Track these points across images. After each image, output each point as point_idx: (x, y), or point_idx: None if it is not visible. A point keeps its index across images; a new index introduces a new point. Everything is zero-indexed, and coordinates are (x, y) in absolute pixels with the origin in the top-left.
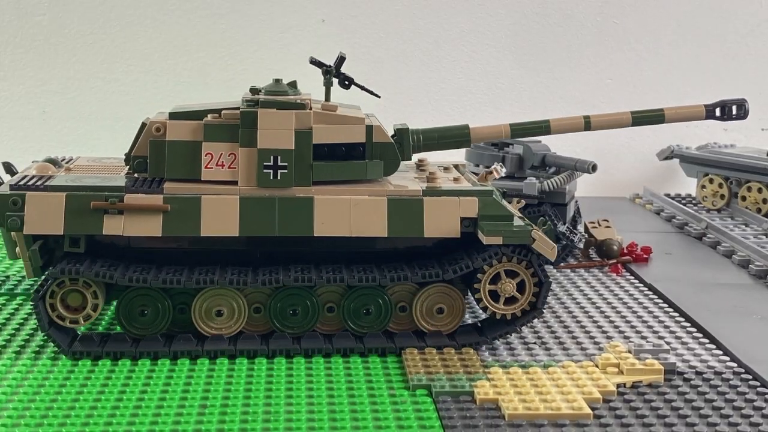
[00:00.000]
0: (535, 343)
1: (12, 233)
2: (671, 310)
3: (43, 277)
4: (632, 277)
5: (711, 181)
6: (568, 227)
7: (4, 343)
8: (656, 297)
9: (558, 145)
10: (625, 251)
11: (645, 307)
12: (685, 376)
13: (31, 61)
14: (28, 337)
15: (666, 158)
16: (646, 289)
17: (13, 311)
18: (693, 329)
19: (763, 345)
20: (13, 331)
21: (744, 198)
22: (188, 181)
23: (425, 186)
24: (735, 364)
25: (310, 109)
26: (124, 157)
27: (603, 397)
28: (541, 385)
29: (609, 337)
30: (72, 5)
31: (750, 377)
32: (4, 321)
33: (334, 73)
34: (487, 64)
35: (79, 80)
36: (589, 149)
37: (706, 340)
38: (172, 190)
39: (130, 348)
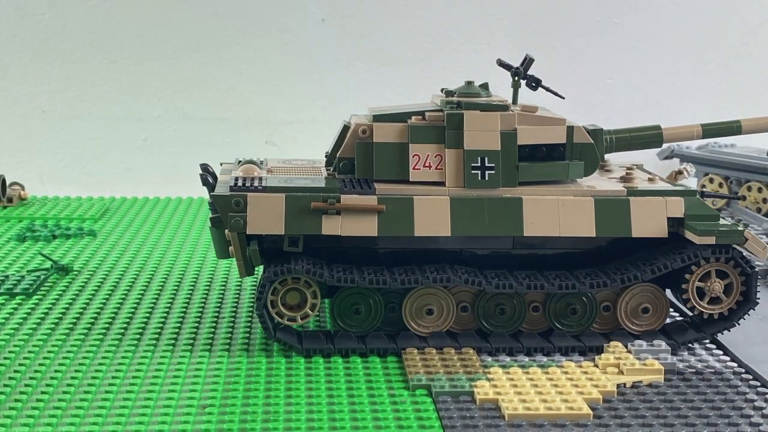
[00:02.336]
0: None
1: (226, 233)
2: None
3: (264, 275)
4: None
5: (711, 180)
6: None
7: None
8: None
9: None
10: None
11: None
12: (684, 376)
13: (31, 61)
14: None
15: (666, 158)
16: None
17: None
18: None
19: (763, 345)
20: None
21: (744, 198)
22: (396, 182)
23: (624, 186)
24: (735, 364)
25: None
26: (324, 158)
27: (603, 397)
28: (540, 386)
29: (609, 337)
30: (72, 5)
31: (750, 377)
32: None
33: (522, 75)
34: (487, 63)
35: (79, 80)
36: None
37: (706, 340)
38: (384, 191)
39: (358, 345)
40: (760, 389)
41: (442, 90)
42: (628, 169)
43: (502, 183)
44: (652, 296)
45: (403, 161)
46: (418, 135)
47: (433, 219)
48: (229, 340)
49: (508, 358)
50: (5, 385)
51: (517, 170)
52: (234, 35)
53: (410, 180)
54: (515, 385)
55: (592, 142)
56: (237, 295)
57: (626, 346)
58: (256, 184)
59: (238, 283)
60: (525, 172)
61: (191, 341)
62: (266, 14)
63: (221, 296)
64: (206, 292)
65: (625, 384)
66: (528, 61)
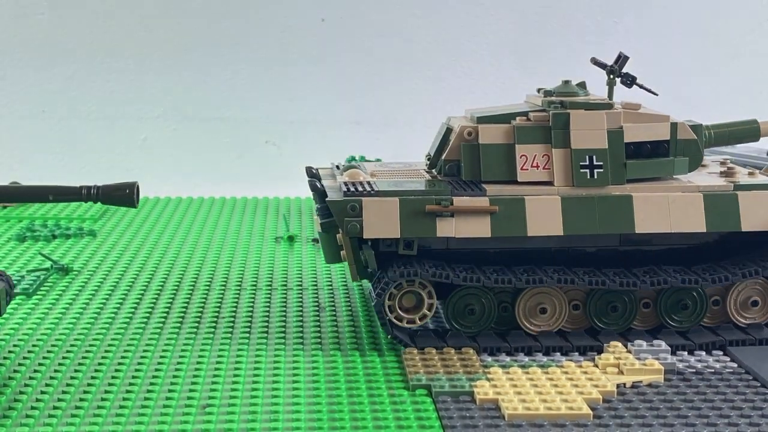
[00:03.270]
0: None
1: (338, 237)
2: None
3: (389, 276)
4: None
5: None
6: None
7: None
8: None
9: None
10: None
11: None
12: (684, 376)
13: (31, 60)
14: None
15: None
16: None
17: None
18: None
19: (762, 345)
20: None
21: None
22: (504, 182)
23: (727, 181)
24: (735, 364)
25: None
26: (426, 160)
27: (602, 397)
28: (540, 386)
29: (609, 337)
30: (72, 5)
31: (750, 377)
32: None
33: (617, 73)
34: (487, 64)
35: (79, 80)
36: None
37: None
38: (494, 192)
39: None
40: (760, 389)
41: (538, 90)
42: (722, 163)
43: (610, 181)
44: (761, 289)
45: (510, 162)
46: (524, 135)
47: (545, 219)
48: (229, 340)
49: (507, 358)
50: (4, 385)
51: (625, 168)
52: (234, 35)
53: (518, 180)
54: (515, 385)
55: (696, 137)
56: (237, 295)
57: (626, 346)
58: (368, 188)
59: (238, 283)
60: (633, 170)
61: (191, 341)
62: (266, 14)
63: (221, 296)
64: (206, 291)
65: (624, 384)
66: (622, 59)
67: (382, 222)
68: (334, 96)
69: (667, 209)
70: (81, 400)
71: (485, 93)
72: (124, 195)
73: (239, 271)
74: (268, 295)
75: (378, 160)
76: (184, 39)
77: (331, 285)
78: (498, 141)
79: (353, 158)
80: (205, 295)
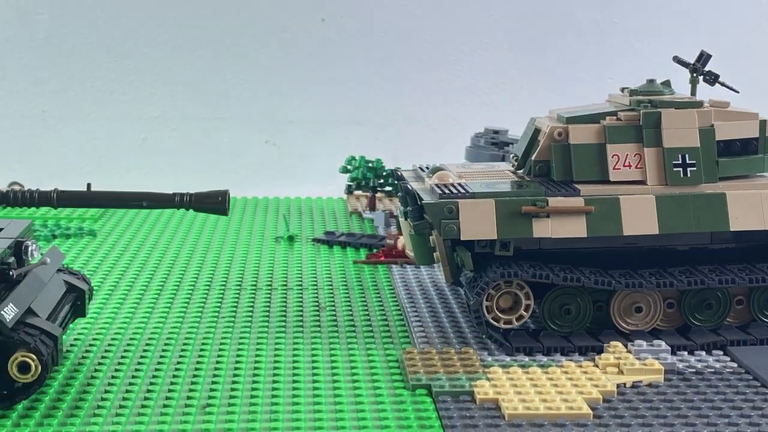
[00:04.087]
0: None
1: (431, 239)
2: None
3: (489, 277)
4: None
5: None
6: None
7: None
8: None
9: None
10: None
11: None
12: (684, 376)
13: (31, 60)
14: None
15: None
16: None
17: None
18: None
19: (763, 345)
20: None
21: None
22: (596, 182)
23: None
24: (735, 364)
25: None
26: (512, 161)
27: (603, 397)
28: (540, 385)
29: (609, 337)
30: (72, 5)
31: (750, 377)
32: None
33: (700, 71)
34: (487, 64)
35: (79, 80)
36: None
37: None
38: (588, 192)
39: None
40: (760, 389)
41: (622, 89)
42: None
43: (703, 179)
44: None
45: (602, 162)
46: (615, 135)
47: (640, 218)
48: (228, 339)
49: (507, 358)
50: None
51: (717, 166)
52: (234, 35)
53: (611, 180)
54: (515, 384)
55: None
56: (237, 295)
57: (626, 346)
58: (462, 190)
59: (238, 283)
60: (724, 168)
61: (191, 340)
62: (266, 14)
63: (221, 296)
64: (206, 291)
65: (625, 384)
66: (705, 57)
67: (478, 223)
68: (334, 96)
69: (760, 206)
70: (80, 400)
71: (485, 93)
72: (216, 203)
73: (239, 271)
74: (268, 295)
75: (378, 160)
76: (184, 39)
77: (331, 285)
78: (589, 141)
79: (353, 158)
80: (205, 295)
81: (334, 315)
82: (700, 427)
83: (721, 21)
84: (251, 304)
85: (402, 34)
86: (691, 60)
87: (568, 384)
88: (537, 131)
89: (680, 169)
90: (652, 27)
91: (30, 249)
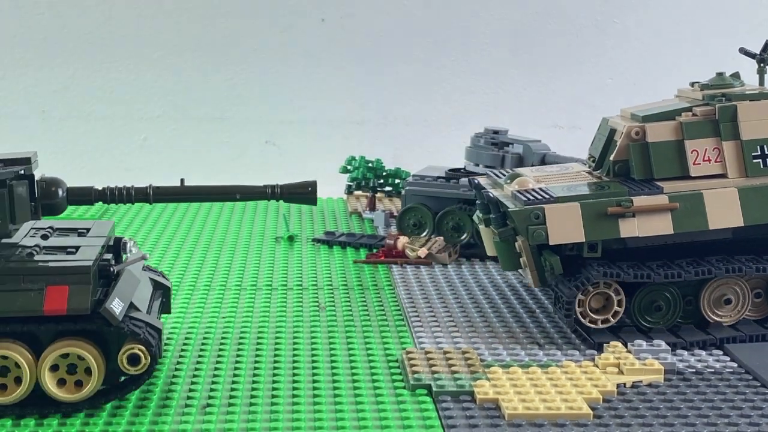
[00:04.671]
0: (536, 342)
1: (517, 245)
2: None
3: (584, 277)
4: None
5: None
6: None
7: None
8: None
9: (557, 144)
10: None
11: None
12: (684, 376)
13: (31, 60)
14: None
15: None
16: None
17: None
18: None
19: (763, 345)
20: None
21: None
22: (677, 179)
23: None
24: (735, 364)
25: None
26: (589, 162)
27: (603, 397)
28: (540, 385)
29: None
30: (72, 5)
31: (750, 377)
32: None
33: None
34: (487, 64)
35: (79, 80)
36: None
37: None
38: (671, 189)
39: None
40: (760, 389)
41: (692, 84)
42: None
43: None
44: None
45: (681, 158)
46: (692, 131)
47: (724, 211)
48: (228, 339)
49: (508, 357)
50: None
51: None
52: (234, 35)
53: (691, 175)
54: (515, 384)
55: None
56: (237, 295)
57: (626, 346)
58: (545, 195)
59: (238, 283)
60: None
61: (190, 340)
62: (266, 14)
63: (221, 296)
64: (206, 291)
65: (625, 384)
66: None
67: (566, 227)
68: (334, 96)
69: None
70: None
71: (485, 93)
72: (306, 193)
73: (239, 271)
74: (268, 295)
75: (378, 160)
76: (184, 39)
77: (331, 285)
78: (667, 138)
79: (353, 158)
80: (205, 295)
81: (334, 315)
82: (700, 427)
83: (721, 21)
84: (251, 304)
85: (402, 34)
86: (757, 50)
87: (568, 384)
88: (612, 131)
89: (760, 160)
90: (652, 27)
91: (128, 245)
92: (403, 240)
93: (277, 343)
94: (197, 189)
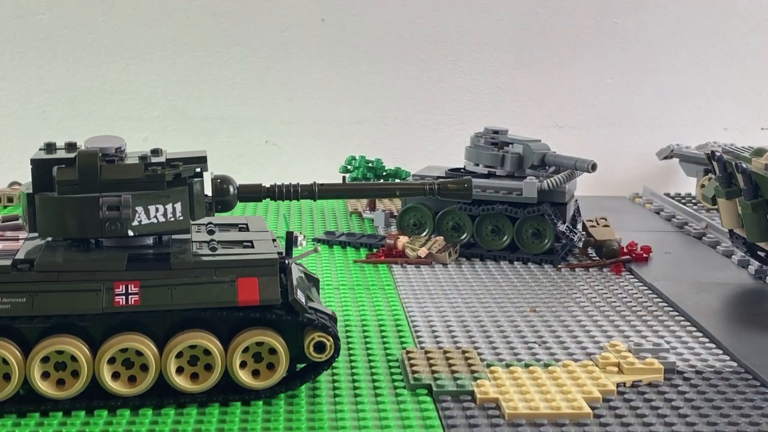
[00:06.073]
0: (535, 342)
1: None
2: (671, 309)
3: None
4: (632, 277)
5: (711, 180)
6: (567, 226)
7: None
8: (656, 296)
9: (557, 144)
10: (625, 250)
11: (645, 307)
12: (685, 375)
13: (31, 60)
14: None
15: (666, 157)
16: (646, 288)
17: None
18: (693, 328)
19: (763, 345)
20: None
21: None
22: None
23: None
24: (735, 364)
25: None
26: None
27: (603, 396)
28: (540, 385)
29: (609, 337)
30: (72, 5)
31: (750, 377)
32: None
33: None
34: (487, 64)
35: (79, 80)
36: (588, 148)
37: (706, 340)
38: None
39: None
40: (760, 389)
41: None
42: None
43: None
44: None
45: None
46: None
47: None
48: None
49: (509, 357)
50: None
51: None
52: (234, 35)
53: None
54: (515, 384)
55: None
56: None
57: (626, 346)
58: None
59: None
60: None
61: None
62: (266, 14)
63: None
64: None
65: (625, 383)
66: None
67: None
68: (334, 96)
69: None
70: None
71: (485, 93)
72: (462, 189)
73: None
74: None
75: (378, 160)
76: (184, 39)
77: (331, 285)
78: None
79: (353, 158)
80: None
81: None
82: (700, 427)
83: (721, 21)
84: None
85: (402, 34)
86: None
87: (568, 383)
88: None
89: None
90: (652, 27)
91: (299, 239)
92: (403, 240)
93: None
94: (359, 185)
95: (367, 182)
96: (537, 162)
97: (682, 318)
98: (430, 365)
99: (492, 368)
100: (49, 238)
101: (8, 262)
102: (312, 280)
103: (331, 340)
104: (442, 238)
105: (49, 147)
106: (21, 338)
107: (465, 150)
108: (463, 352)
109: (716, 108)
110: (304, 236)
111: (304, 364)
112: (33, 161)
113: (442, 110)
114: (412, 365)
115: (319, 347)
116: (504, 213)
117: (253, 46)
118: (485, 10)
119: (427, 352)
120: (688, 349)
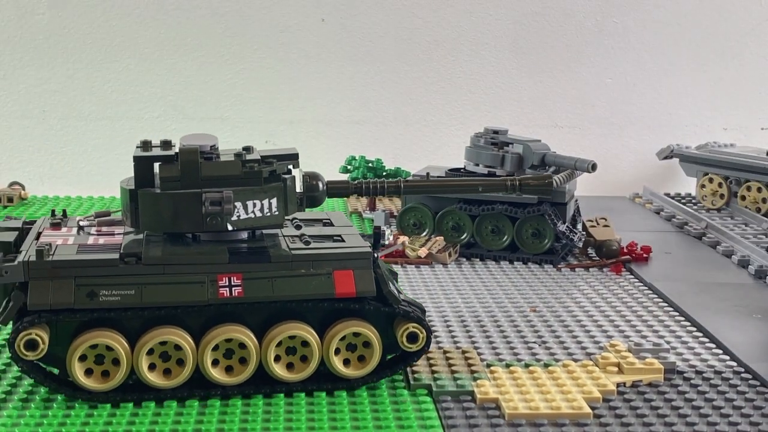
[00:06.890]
0: (535, 342)
1: None
2: (671, 309)
3: None
4: (632, 277)
5: (710, 180)
6: (567, 227)
7: None
8: (656, 296)
9: (557, 144)
10: (625, 250)
11: (645, 307)
12: (685, 375)
13: (31, 60)
14: None
15: (666, 157)
16: (646, 288)
17: None
18: (693, 328)
19: (763, 345)
20: None
21: (744, 197)
22: None
23: None
24: (735, 364)
25: None
26: None
27: (603, 396)
28: (540, 385)
29: (609, 336)
30: (72, 5)
31: (750, 377)
32: None
33: None
34: (487, 64)
35: (79, 80)
36: (588, 148)
37: (706, 340)
38: None
39: None
40: (760, 389)
41: None
42: None
43: None
44: None
45: None
46: None
47: None
48: None
49: (509, 357)
50: None
51: None
52: (234, 35)
53: None
54: (515, 384)
55: None
56: None
57: (626, 345)
58: None
59: None
60: None
61: None
62: (266, 14)
63: None
64: None
65: (625, 383)
66: None
67: None
68: (334, 96)
69: None
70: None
71: (485, 93)
72: (543, 185)
73: None
74: None
75: (378, 160)
76: (184, 39)
77: None
78: None
79: (353, 158)
80: None
81: None
82: (700, 427)
83: (721, 21)
84: None
85: (402, 34)
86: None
87: (568, 383)
88: None
89: None
90: (652, 27)
91: (386, 233)
92: (403, 240)
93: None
94: (443, 182)
95: (450, 179)
96: (537, 162)
97: (682, 318)
98: (430, 365)
99: (492, 368)
100: (148, 233)
101: (115, 256)
102: (393, 274)
103: (424, 332)
104: (442, 238)
105: (145, 145)
106: (124, 329)
107: (465, 150)
108: (463, 352)
109: (716, 108)
110: (391, 231)
111: (392, 355)
112: (135, 158)
113: (442, 110)
114: (411, 365)
115: (412, 338)
116: (504, 213)
117: (253, 46)
118: (485, 10)
119: (427, 353)
120: (688, 349)
